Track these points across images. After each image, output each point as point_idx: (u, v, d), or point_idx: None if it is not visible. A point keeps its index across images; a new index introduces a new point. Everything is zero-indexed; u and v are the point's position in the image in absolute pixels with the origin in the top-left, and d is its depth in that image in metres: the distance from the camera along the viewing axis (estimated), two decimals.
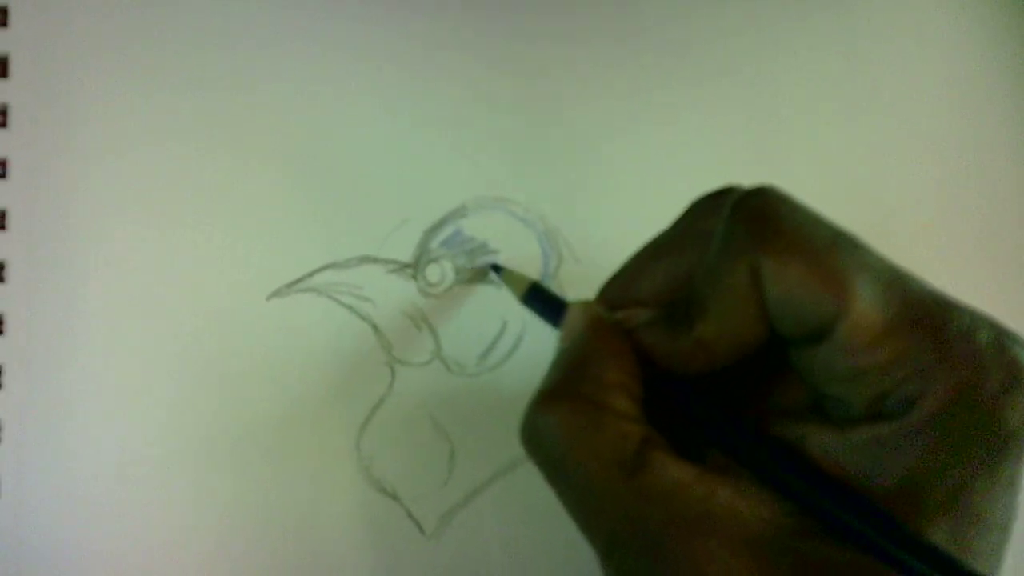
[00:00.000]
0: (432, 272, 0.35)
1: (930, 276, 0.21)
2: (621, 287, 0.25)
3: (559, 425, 0.21)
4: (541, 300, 0.30)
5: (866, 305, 0.20)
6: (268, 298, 0.34)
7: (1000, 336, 0.20)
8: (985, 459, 0.19)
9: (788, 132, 0.37)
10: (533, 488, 0.33)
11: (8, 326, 0.33)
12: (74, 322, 0.33)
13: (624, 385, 0.22)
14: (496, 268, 0.34)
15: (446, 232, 0.35)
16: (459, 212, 0.35)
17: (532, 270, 0.34)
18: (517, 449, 0.32)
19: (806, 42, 0.38)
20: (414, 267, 0.35)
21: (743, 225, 0.21)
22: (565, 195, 0.36)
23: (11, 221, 0.34)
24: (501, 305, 0.34)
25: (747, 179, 0.24)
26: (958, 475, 0.19)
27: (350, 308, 0.34)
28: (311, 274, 0.34)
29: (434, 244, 0.35)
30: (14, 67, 0.35)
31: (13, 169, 0.34)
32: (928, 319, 0.20)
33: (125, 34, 0.35)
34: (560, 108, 0.37)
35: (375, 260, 0.35)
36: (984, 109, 0.38)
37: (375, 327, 0.34)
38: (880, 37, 0.39)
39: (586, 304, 0.25)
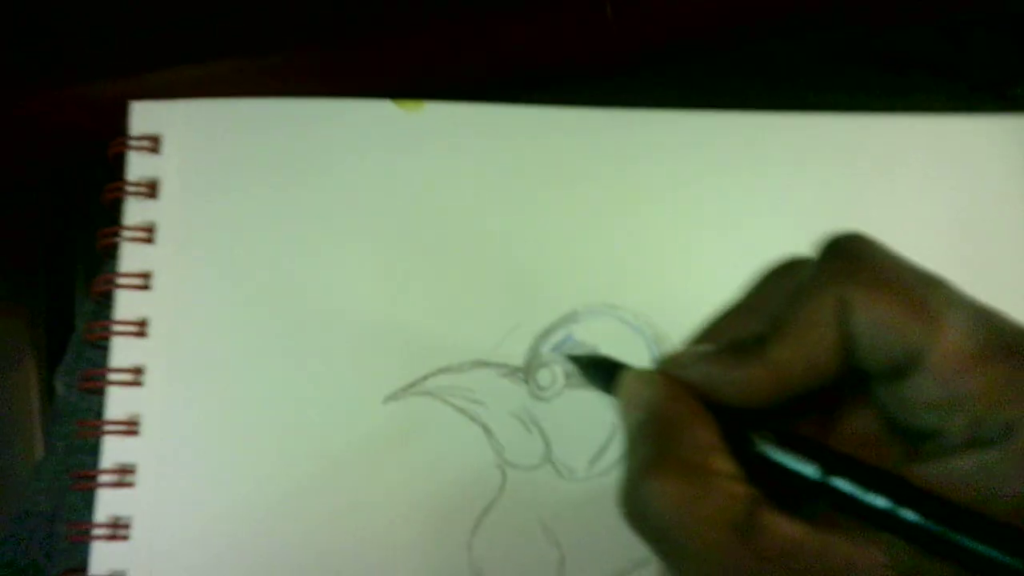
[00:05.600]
0: (543, 376, 0.36)
1: None
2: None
3: (666, 494, 0.21)
4: (595, 368, 0.30)
5: (957, 334, 0.20)
6: (385, 401, 0.35)
7: None
8: None
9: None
10: None
11: (145, 429, 0.35)
12: (207, 422, 0.35)
13: (719, 445, 0.22)
14: (574, 359, 0.35)
15: (558, 337, 0.36)
16: (570, 318, 0.36)
17: None
18: (627, 557, 0.33)
19: None
20: (525, 371, 0.36)
21: (835, 261, 0.22)
22: (673, 302, 0.36)
23: (152, 329, 0.36)
24: (612, 410, 0.34)
25: None
26: None
27: (462, 411, 0.35)
28: (425, 378, 0.36)
29: (545, 348, 0.36)
30: (163, 190, 0.38)
31: (157, 282, 0.37)
32: (1017, 347, 0.20)
33: (266, 163, 0.38)
34: (661, 218, 0.38)
35: (487, 364, 0.36)
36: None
37: (487, 430, 0.35)
38: None
39: (647, 371, 0.25)
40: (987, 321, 0.20)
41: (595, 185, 0.38)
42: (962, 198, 0.39)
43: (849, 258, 0.22)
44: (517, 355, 0.36)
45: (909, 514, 0.19)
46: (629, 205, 0.38)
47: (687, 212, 0.38)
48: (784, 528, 0.20)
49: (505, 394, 0.36)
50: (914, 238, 0.37)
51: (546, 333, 0.36)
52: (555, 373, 0.36)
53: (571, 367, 0.35)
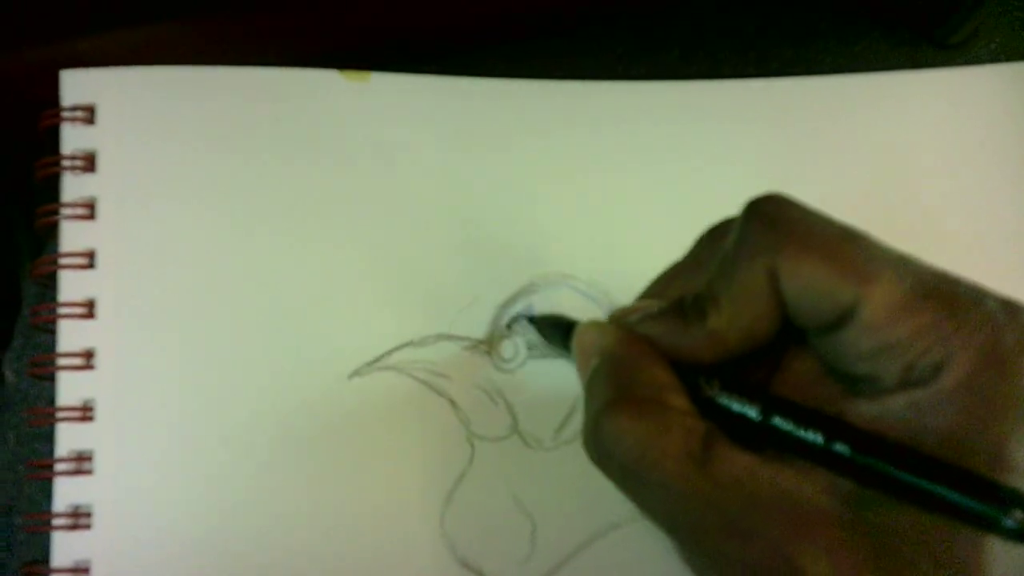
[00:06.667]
0: (506, 348, 0.36)
1: None
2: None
3: (629, 431, 0.22)
4: (552, 327, 0.32)
5: (883, 287, 0.21)
6: (349, 377, 0.35)
7: (1005, 302, 0.22)
8: (1018, 414, 0.20)
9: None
10: (614, 562, 0.35)
11: (99, 414, 0.34)
12: (164, 404, 0.35)
13: (673, 383, 0.23)
14: (531, 320, 0.36)
15: (517, 308, 0.37)
16: (529, 289, 0.37)
17: None
18: (597, 523, 0.34)
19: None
20: (488, 343, 0.36)
21: (758, 226, 0.23)
22: (628, 270, 0.37)
23: (100, 310, 0.35)
24: (574, 378, 0.35)
25: None
26: (996, 432, 0.20)
27: (428, 385, 0.36)
28: (389, 353, 0.36)
29: (506, 321, 0.36)
30: (101, 162, 0.36)
31: (101, 260, 0.35)
32: (940, 292, 0.22)
33: (207, 133, 0.37)
34: (614, 187, 0.39)
35: (450, 337, 0.36)
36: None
37: (453, 403, 0.36)
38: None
39: (600, 322, 0.27)
40: (909, 270, 0.22)
41: (546, 155, 0.39)
42: (907, 155, 0.40)
43: (772, 225, 0.23)
44: (479, 327, 0.36)
45: (841, 448, 0.21)
46: (582, 175, 0.39)
47: (640, 181, 0.39)
48: (738, 457, 0.22)
49: (469, 367, 0.36)
50: (859, 196, 0.39)
51: (506, 305, 0.37)
52: (517, 345, 0.36)
53: (533, 337, 0.36)
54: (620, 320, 0.26)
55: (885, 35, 0.44)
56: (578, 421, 0.36)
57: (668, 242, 0.29)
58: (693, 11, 0.43)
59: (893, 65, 0.42)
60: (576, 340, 0.27)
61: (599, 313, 0.37)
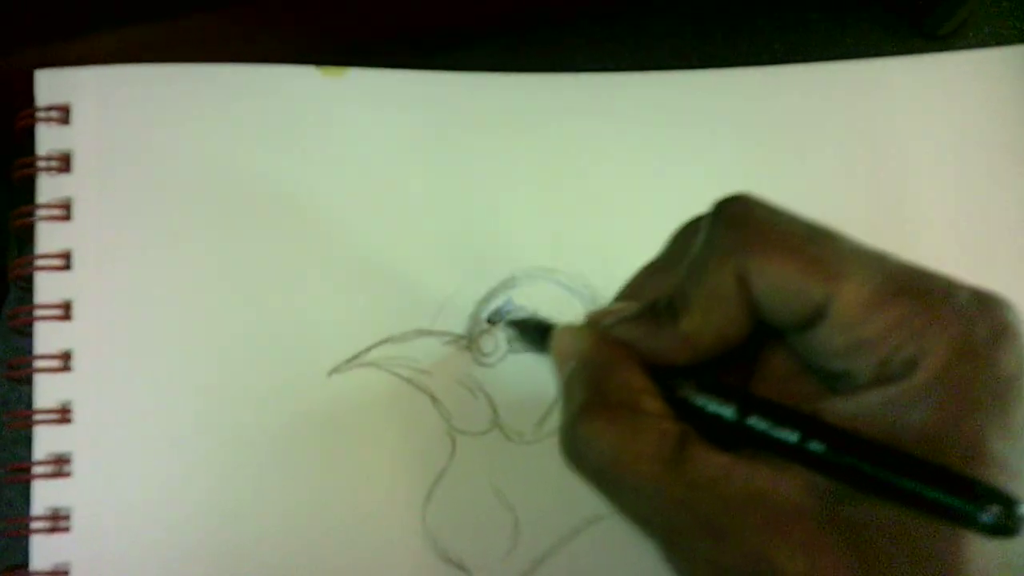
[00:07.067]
0: (486, 343, 0.36)
1: None
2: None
3: (601, 434, 0.22)
4: (530, 329, 0.32)
5: (853, 284, 0.21)
6: (329, 374, 0.35)
7: (976, 293, 0.21)
8: (993, 406, 0.20)
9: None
10: (597, 554, 0.34)
11: (77, 416, 0.34)
12: (143, 405, 0.34)
13: (647, 387, 0.23)
14: (510, 323, 0.35)
15: (497, 303, 0.36)
16: (509, 283, 0.37)
17: None
18: (579, 516, 0.34)
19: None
20: (468, 338, 0.36)
21: (725, 228, 0.23)
22: (609, 263, 0.37)
23: (76, 311, 0.35)
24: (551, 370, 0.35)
25: None
26: (971, 425, 0.20)
27: (408, 381, 0.35)
28: (369, 349, 0.36)
29: (485, 314, 0.36)
30: (76, 163, 0.36)
31: (77, 261, 0.35)
32: (911, 287, 0.21)
33: (184, 131, 0.37)
34: (594, 180, 0.38)
35: (430, 333, 0.36)
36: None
37: (433, 398, 0.35)
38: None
39: (576, 326, 0.26)
40: (880, 265, 0.22)
41: (525, 149, 0.38)
42: (897, 140, 0.40)
43: (739, 225, 0.23)
44: (459, 323, 0.36)
45: (816, 446, 0.21)
46: (561, 168, 0.38)
47: (620, 173, 0.38)
48: (712, 458, 0.21)
49: (449, 362, 0.36)
50: (849, 183, 0.39)
51: (486, 299, 0.36)
52: (497, 339, 0.36)
53: (510, 332, 0.36)
54: (596, 323, 0.26)
55: (875, 26, 0.43)
56: (558, 414, 0.35)
57: (654, 235, 0.29)
58: (684, 4, 0.43)
59: (883, 56, 0.41)
60: (553, 344, 0.27)
61: (581, 308, 0.37)
